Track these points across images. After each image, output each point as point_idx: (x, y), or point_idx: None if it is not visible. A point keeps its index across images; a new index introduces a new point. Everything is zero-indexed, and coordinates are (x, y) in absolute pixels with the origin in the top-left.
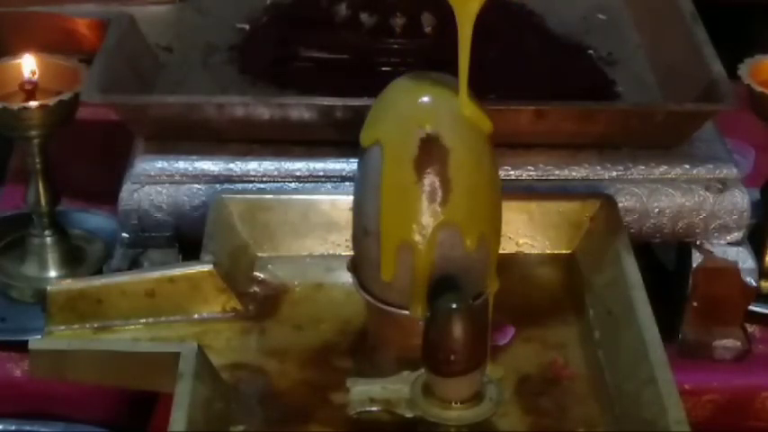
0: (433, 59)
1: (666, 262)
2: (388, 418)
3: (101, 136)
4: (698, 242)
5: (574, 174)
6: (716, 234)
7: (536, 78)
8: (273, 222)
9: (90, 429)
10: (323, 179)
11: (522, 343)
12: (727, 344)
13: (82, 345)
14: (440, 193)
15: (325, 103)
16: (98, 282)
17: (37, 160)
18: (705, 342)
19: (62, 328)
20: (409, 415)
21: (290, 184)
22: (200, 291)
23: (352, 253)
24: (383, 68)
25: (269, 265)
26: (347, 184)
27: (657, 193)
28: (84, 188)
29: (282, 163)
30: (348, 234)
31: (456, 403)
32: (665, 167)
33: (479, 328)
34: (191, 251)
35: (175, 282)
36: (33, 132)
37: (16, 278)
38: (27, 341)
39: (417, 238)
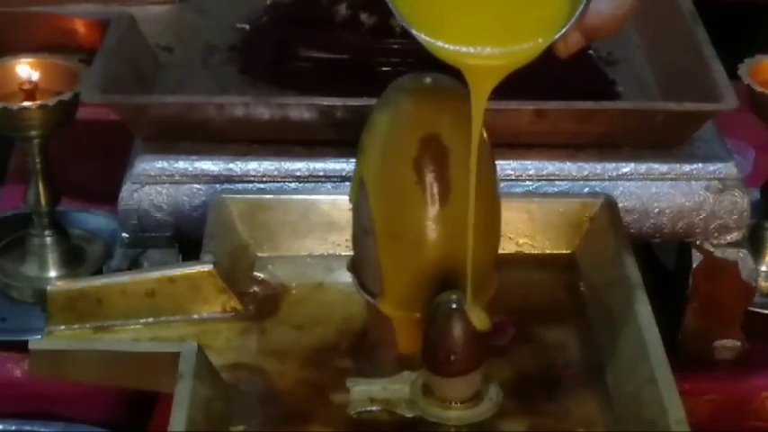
0: (433, 59)
1: (666, 262)
2: (388, 418)
3: (101, 136)
4: (698, 242)
5: (574, 174)
6: (716, 234)
7: (536, 78)
8: (273, 222)
9: (90, 429)
10: (323, 179)
11: (522, 343)
12: (727, 344)
13: (82, 345)
14: (440, 194)
15: (325, 103)
16: (98, 282)
17: (37, 160)
18: (705, 342)
19: (62, 328)
20: (409, 415)
21: (290, 184)
22: (200, 291)
23: (352, 253)
24: (383, 68)
25: (269, 265)
26: (347, 184)
27: (657, 193)
28: (84, 188)
29: (282, 163)
30: (348, 234)
31: (456, 403)
32: (665, 167)
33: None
34: (191, 251)
35: (175, 282)
36: (33, 132)
37: (16, 278)
38: (27, 341)
39: (417, 238)
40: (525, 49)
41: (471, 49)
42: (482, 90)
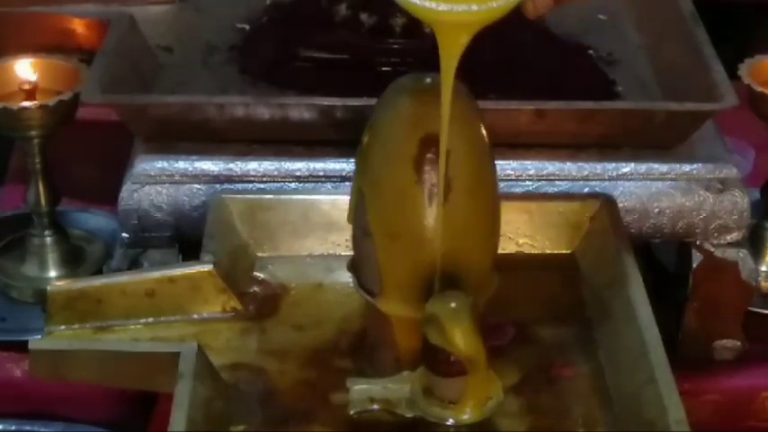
0: (433, 59)
1: (666, 262)
2: (388, 418)
3: (101, 136)
4: (698, 242)
5: (574, 174)
6: (716, 234)
7: (536, 78)
8: (273, 222)
9: (90, 429)
10: (323, 179)
11: (522, 343)
12: (727, 344)
13: (82, 345)
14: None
15: (326, 103)
16: (98, 282)
17: (37, 160)
18: (705, 342)
19: (62, 328)
20: (409, 415)
21: (290, 184)
22: (200, 291)
23: (352, 253)
24: (383, 68)
25: (269, 265)
26: (347, 184)
27: (657, 193)
28: (84, 188)
29: (282, 163)
30: (348, 234)
31: (456, 403)
32: (665, 167)
33: (479, 328)
34: (191, 251)
35: (175, 282)
36: (33, 132)
37: (16, 278)
38: (27, 341)
39: (417, 237)
40: (494, 7)
41: (443, 6)
42: (451, 46)
